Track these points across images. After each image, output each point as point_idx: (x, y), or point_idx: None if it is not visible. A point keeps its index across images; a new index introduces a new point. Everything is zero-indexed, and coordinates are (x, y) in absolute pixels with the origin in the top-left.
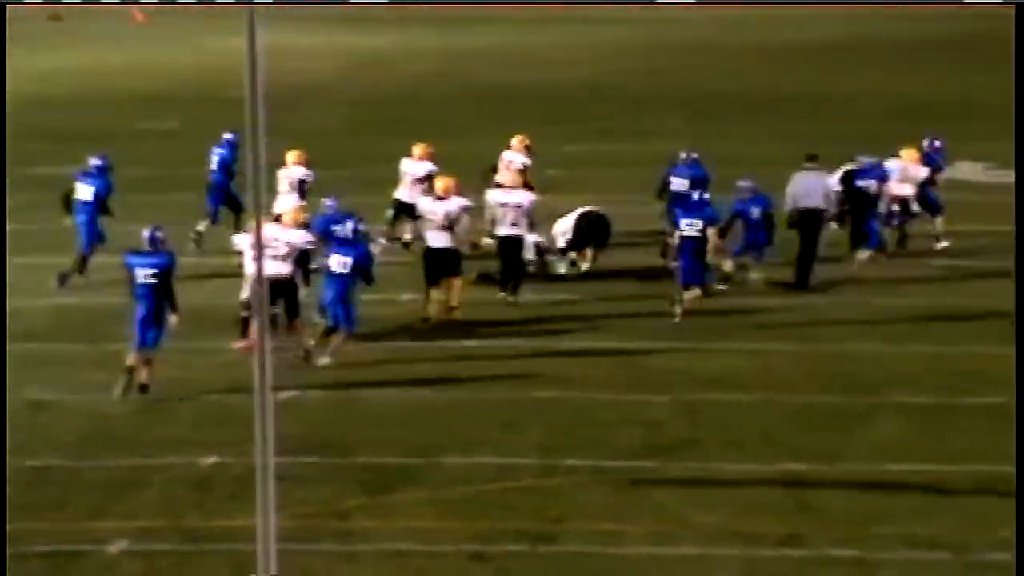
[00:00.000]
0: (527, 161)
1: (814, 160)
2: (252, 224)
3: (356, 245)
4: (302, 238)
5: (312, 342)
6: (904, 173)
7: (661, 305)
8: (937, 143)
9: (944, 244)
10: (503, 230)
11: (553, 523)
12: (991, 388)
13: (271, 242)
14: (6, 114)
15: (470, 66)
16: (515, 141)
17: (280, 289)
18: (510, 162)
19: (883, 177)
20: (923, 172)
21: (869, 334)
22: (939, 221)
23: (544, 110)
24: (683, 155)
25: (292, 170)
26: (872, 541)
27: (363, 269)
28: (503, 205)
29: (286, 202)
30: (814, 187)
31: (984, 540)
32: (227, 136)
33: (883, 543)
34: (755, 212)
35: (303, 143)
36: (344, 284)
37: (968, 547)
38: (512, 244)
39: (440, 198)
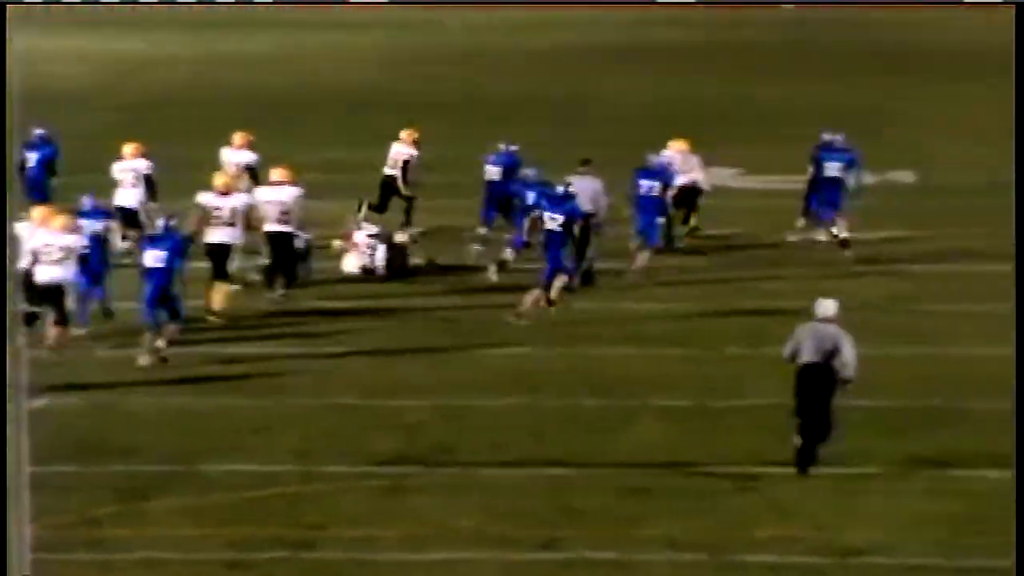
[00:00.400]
0: (414, 152)
1: (587, 164)
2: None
3: (169, 239)
4: (75, 241)
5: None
6: (682, 164)
7: (426, 309)
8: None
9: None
10: (270, 226)
11: (312, 529)
12: (749, 391)
13: (43, 248)
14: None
15: (228, 71)
16: (404, 134)
17: (50, 294)
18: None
19: (667, 179)
20: (694, 161)
21: (629, 338)
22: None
23: (301, 115)
24: (502, 146)
25: (239, 154)
26: (632, 543)
27: (178, 260)
28: (269, 202)
29: (126, 196)
30: (584, 191)
31: (741, 541)
32: (38, 132)
33: (643, 545)
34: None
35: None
36: (160, 279)
37: (726, 548)
38: (280, 239)
39: (223, 193)
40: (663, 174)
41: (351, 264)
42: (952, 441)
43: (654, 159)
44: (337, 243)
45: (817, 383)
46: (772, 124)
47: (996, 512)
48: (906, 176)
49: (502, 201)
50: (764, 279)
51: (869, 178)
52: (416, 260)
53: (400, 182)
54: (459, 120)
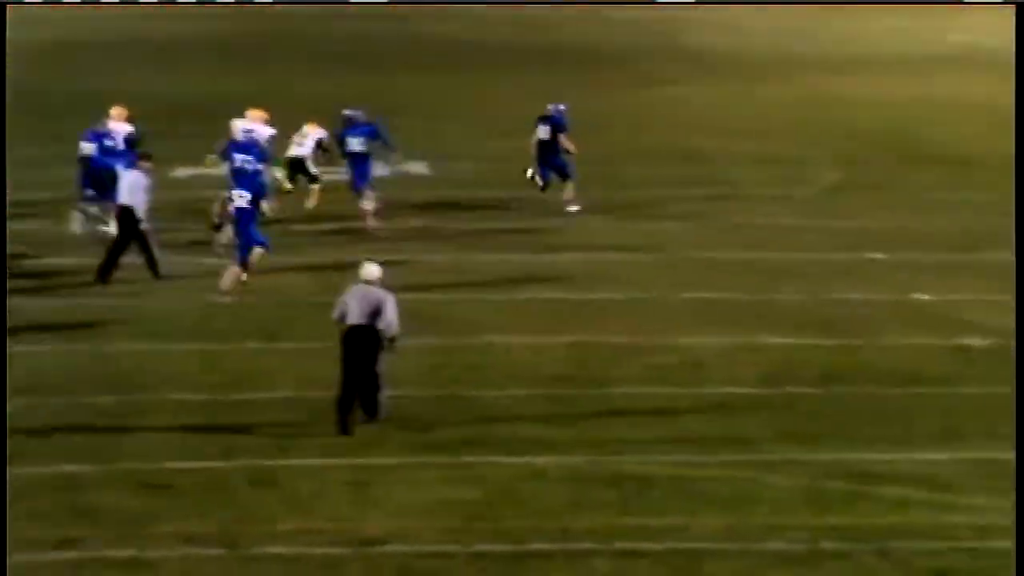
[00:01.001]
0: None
1: (147, 159)
2: None
3: None
4: None
5: None
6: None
7: None
8: (561, 107)
9: (576, 208)
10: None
11: None
12: (264, 384)
13: None
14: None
15: None
16: (114, 111)
17: None
18: None
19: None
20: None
21: (144, 334)
22: (570, 186)
23: None
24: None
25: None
26: (149, 540)
27: None
28: None
29: None
30: (132, 184)
31: (260, 534)
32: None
33: (159, 541)
34: None
35: None
36: None
37: (244, 542)
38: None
39: None
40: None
41: None
42: (466, 429)
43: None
44: None
45: (363, 344)
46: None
47: (508, 497)
48: (421, 167)
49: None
50: (276, 271)
51: (384, 171)
52: None
53: None
54: None
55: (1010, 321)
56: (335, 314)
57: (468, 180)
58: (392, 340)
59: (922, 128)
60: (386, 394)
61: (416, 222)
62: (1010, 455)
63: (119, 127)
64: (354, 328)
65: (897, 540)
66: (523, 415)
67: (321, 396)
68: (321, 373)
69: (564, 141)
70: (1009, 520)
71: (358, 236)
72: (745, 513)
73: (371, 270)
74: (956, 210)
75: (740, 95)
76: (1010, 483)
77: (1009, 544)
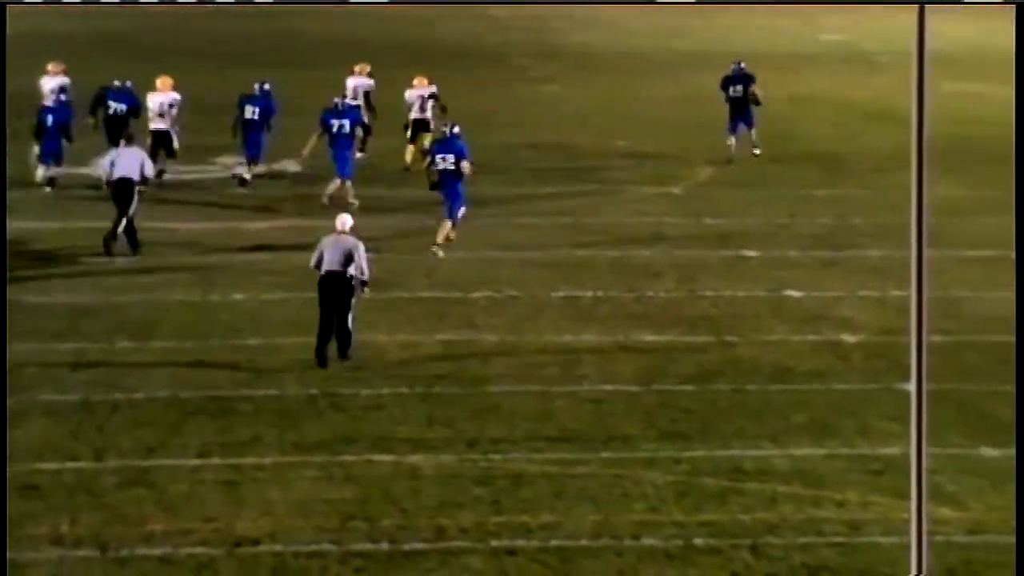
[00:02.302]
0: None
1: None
2: None
3: None
4: None
5: None
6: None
7: None
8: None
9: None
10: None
11: None
12: (137, 384)
13: None
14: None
15: None
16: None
17: None
18: None
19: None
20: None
21: (12, 333)
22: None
23: None
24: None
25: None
26: (20, 542)
27: None
28: None
29: None
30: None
31: (132, 535)
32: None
33: (31, 543)
34: None
35: None
36: None
37: (117, 543)
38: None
39: None
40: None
41: None
42: (341, 428)
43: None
44: None
45: (337, 288)
46: None
47: (383, 496)
48: (292, 166)
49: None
50: (143, 271)
51: (262, 168)
52: None
53: None
54: None
55: (881, 317)
56: (312, 261)
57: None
58: (364, 284)
59: (794, 126)
60: (355, 336)
61: (293, 221)
62: (881, 450)
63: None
64: (328, 274)
65: (769, 536)
66: (398, 414)
67: (193, 396)
68: (193, 373)
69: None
70: (878, 514)
71: (231, 235)
72: (618, 510)
73: (344, 220)
74: (827, 207)
75: (617, 93)
76: (881, 478)
77: (880, 538)
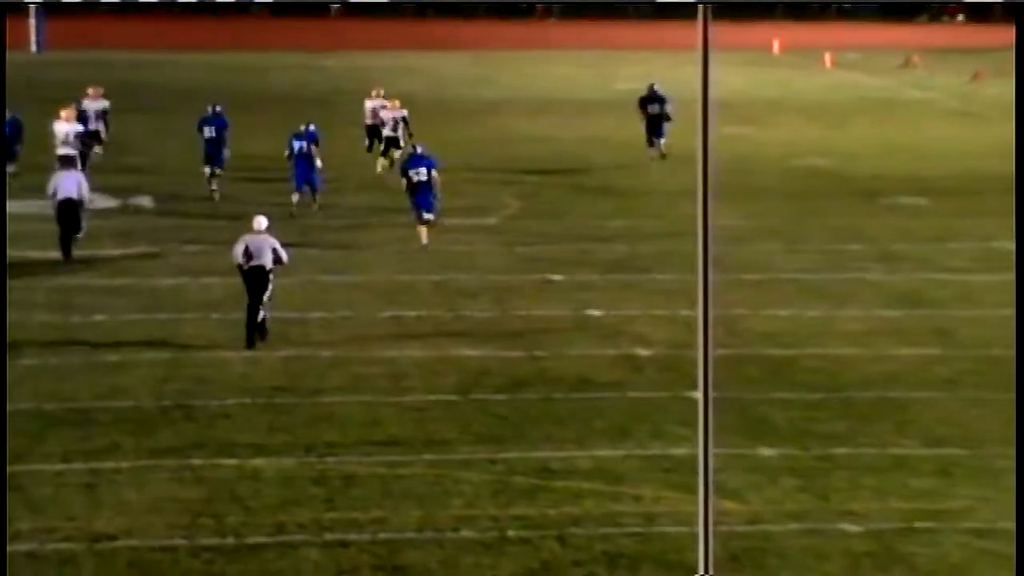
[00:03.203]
0: None
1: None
2: None
3: None
4: None
5: None
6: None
7: None
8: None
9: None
10: None
11: None
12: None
13: None
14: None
15: None
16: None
17: None
18: None
19: None
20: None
21: None
22: None
23: None
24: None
25: None
26: None
27: None
28: None
29: None
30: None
31: None
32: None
33: None
34: None
35: None
36: None
37: None
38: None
39: None
40: None
41: None
42: (192, 434)
43: None
44: None
45: (258, 279)
46: None
47: (228, 496)
48: (146, 200)
49: None
50: (15, 289)
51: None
52: None
53: None
54: None
55: (671, 333)
56: (238, 258)
57: (194, 211)
58: (283, 265)
59: (592, 163)
60: (268, 316)
61: (144, 248)
62: (672, 451)
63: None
64: (252, 268)
65: (574, 527)
66: (242, 422)
67: (56, 408)
68: (57, 387)
69: None
70: (670, 507)
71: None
72: (440, 506)
73: (260, 222)
74: (623, 235)
75: (436, 135)
76: (672, 475)
77: (671, 529)
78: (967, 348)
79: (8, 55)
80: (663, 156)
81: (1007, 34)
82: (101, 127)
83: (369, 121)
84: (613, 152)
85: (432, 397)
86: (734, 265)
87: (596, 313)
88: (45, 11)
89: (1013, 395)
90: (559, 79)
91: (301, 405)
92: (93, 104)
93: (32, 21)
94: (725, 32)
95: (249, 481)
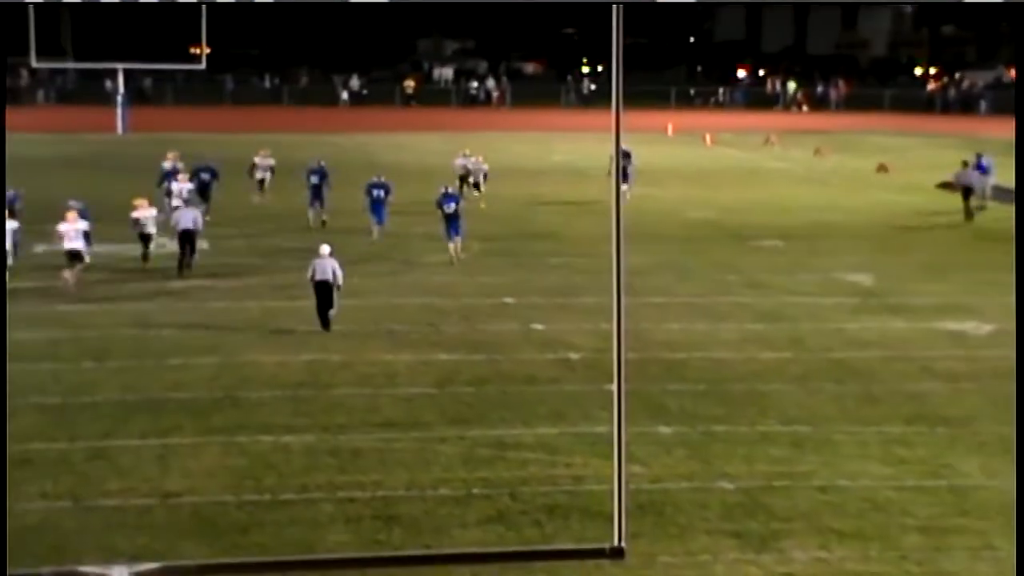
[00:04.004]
0: None
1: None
2: None
3: None
4: None
5: None
6: None
7: None
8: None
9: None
10: None
11: None
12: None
13: None
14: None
15: None
16: None
17: None
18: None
19: None
20: None
21: None
22: None
23: None
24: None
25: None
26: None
27: None
28: None
29: None
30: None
31: (97, 492)
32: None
33: (22, 498)
34: None
35: None
36: None
37: (86, 497)
38: None
39: None
40: None
41: None
42: (238, 418)
43: None
44: None
45: (324, 290)
46: None
47: (265, 464)
48: (203, 243)
49: None
50: None
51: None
52: None
53: None
54: None
55: (595, 341)
56: (308, 274)
57: (238, 249)
58: (339, 287)
59: (537, 215)
60: (336, 313)
61: (199, 282)
62: (595, 429)
63: None
64: (318, 282)
65: (522, 486)
66: (275, 409)
67: (136, 398)
68: (136, 382)
69: None
70: (594, 471)
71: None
72: (423, 471)
73: (324, 249)
74: (559, 269)
75: (418, 195)
76: (596, 447)
77: (595, 487)
78: (813, 352)
79: (98, 136)
80: (627, 196)
81: (842, 121)
82: (268, 177)
83: (460, 172)
84: (550, 208)
85: (417, 390)
86: (641, 290)
87: (540, 327)
88: (129, 100)
89: (847, 387)
90: (511, 153)
91: (319, 396)
92: (263, 161)
93: (118, 111)
94: (633, 118)
95: (280, 453)
